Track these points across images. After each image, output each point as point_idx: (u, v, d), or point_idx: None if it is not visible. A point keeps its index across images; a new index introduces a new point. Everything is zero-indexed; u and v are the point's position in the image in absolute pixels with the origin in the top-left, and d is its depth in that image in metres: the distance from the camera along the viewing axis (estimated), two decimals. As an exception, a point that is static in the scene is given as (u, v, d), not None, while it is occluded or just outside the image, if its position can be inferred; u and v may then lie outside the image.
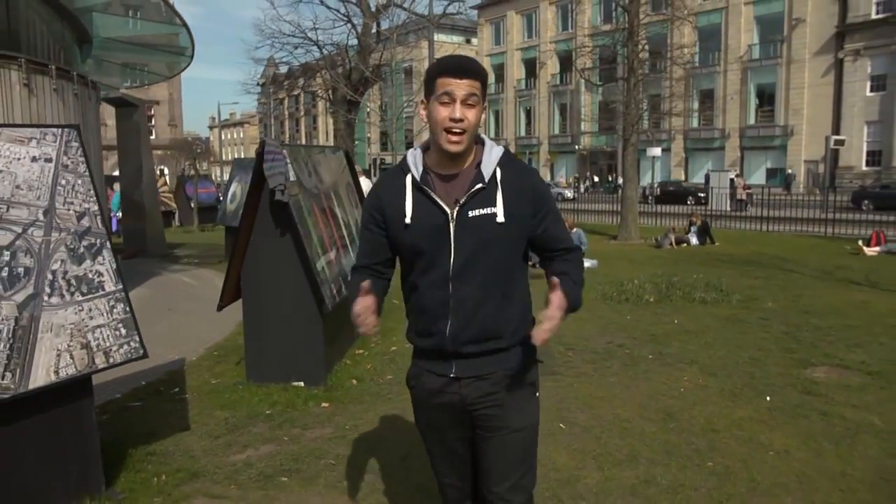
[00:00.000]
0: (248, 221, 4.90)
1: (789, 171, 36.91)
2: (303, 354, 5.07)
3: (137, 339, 3.47)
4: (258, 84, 47.71)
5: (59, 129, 3.46)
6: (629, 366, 5.42)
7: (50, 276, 3.17)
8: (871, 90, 35.69)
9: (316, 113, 79.24)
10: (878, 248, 12.30)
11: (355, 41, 24.33)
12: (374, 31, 24.19)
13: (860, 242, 12.78)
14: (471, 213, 1.88)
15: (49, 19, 7.17)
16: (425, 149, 1.99)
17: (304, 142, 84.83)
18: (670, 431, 4.06)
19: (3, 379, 2.92)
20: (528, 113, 54.68)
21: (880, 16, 34.91)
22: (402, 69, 39.98)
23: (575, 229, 11.04)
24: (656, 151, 32.53)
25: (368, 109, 34.78)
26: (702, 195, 28.24)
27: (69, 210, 3.35)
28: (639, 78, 15.04)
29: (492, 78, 57.23)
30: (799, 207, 18.74)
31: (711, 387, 4.86)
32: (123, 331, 3.42)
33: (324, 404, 4.75)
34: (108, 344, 3.34)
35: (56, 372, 3.11)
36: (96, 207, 3.47)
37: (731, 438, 3.93)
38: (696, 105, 40.97)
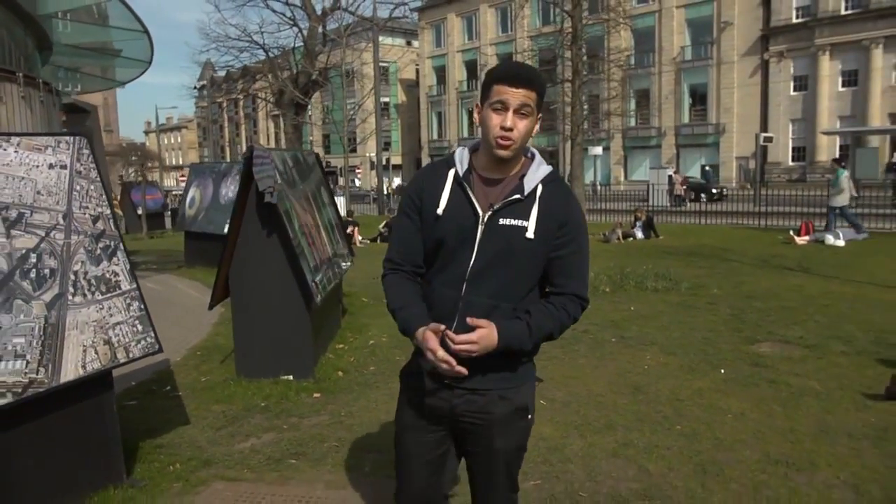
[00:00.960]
0: (236, 222, 5.12)
1: (707, 167, 38.44)
2: (291, 349, 5.31)
3: (153, 334, 3.68)
4: (195, 88, 46.85)
5: (72, 137, 3.63)
6: (595, 348, 5.87)
7: (72, 277, 3.36)
8: (795, 90, 37.82)
9: (256, 117, 78.19)
10: (807, 238, 13.23)
11: (301, 44, 24.34)
12: (320, 33, 24.26)
13: (791, 232, 13.72)
14: (501, 221, 1.87)
15: (11, 25, 7.15)
16: (474, 149, 2.00)
17: (243, 146, 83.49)
18: (640, 402, 4.51)
19: (37, 374, 3.10)
20: (471, 114, 55.28)
21: (800, 20, 37.01)
22: (346, 71, 40.15)
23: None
24: (597, 150, 33.67)
25: (310, 113, 34.72)
26: (714, 191, 28.13)
27: (85, 214, 3.53)
28: (583, 80, 15.68)
29: (433, 80, 57.77)
30: (734, 202, 19.83)
31: (671, 363, 5.36)
32: (140, 327, 3.62)
33: (315, 395, 5.01)
34: (127, 340, 3.54)
35: (83, 366, 3.30)
36: (108, 211, 3.67)
37: (694, 406, 4.41)
38: (633, 105, 42.52)
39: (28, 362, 3.07)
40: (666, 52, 42.13)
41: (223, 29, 55.31)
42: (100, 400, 3.50)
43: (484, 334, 1.79)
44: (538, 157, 1.99)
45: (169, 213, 24.81)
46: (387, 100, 59.03)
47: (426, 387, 1.99)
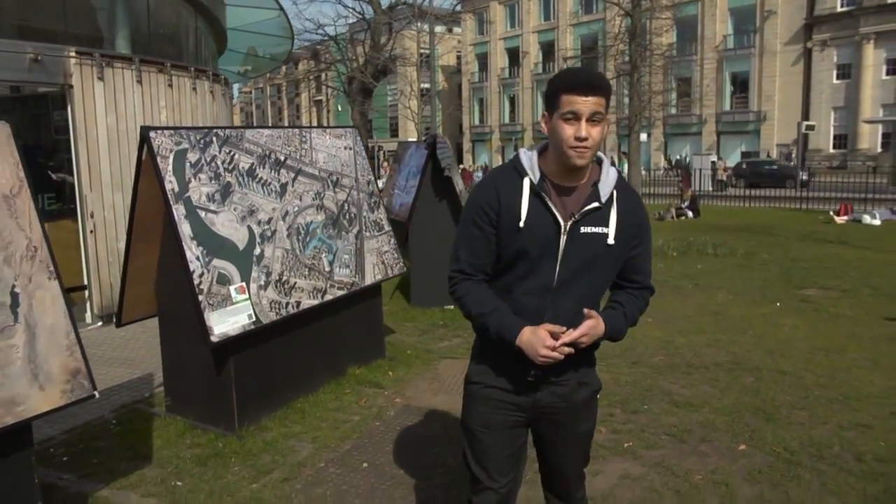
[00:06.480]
0: (417, 191, 7.01)
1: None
2: (452, 285, 7.17)
3: (402, 261, 5.58)
4: (238, 73, 48.99)
5: (351, 129, 5.52)
6: (676, 291, 7.67)
7: (364, 219, 5.26)
8: (837, 78, 38.55)
9: (299, 101, 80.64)
10: (845, 217, 14.74)
11: (368, 36, 26.25)
12: (386, 25, 26.10)
13: (831, 213, 15.23)
14: (583, 230, 1.90)
15: (208, 37, 9.07)
16: (540, 153, 2.00)
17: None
18: (720, 320, 6.31)
19: (355, 278, 5.01)
20: (512, 100, 56.75)
21: (845, 8, 37.69)
22: (393, 58, 41.99)
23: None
24: (643, 137, 34.91)
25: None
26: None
27: (363, 179, 5.42)
28: (641, 74, 17.26)
29: (475, 67, 59.27)
30: (774, 187, 21.26)
31: (738, 299, 7.15)
32: (396, 255, 5.52)
33: (476, 317, 6.86)
34: (391, 262, 5.44)
35: (374, 276, 5.20)
36: (373, 178, 5.55)
37: (760, 322, 6.20)
38: (674, 94, 43.59)
39: (350, 270, 4.98)
40: (708, 40, 43.04)
41: (301, 23, 58.39)
42: (375, 301, 5.42)
43: (593, 325, 1.89)
44: (606, 161, 2.02)
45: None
46: (428, 86, 60.71)
47: (504, 385, 2.05)
